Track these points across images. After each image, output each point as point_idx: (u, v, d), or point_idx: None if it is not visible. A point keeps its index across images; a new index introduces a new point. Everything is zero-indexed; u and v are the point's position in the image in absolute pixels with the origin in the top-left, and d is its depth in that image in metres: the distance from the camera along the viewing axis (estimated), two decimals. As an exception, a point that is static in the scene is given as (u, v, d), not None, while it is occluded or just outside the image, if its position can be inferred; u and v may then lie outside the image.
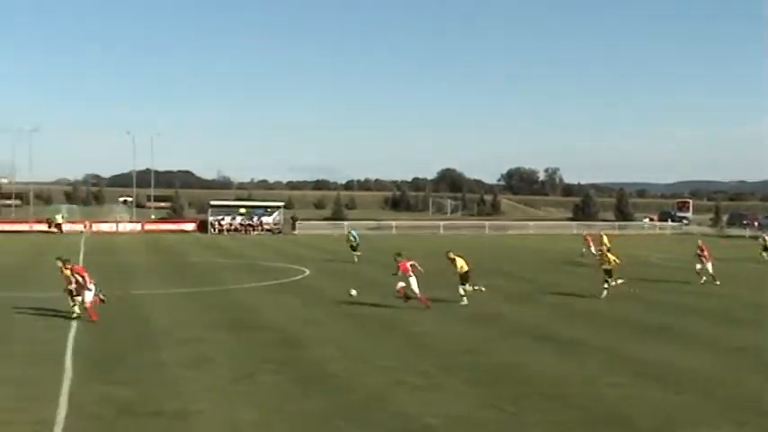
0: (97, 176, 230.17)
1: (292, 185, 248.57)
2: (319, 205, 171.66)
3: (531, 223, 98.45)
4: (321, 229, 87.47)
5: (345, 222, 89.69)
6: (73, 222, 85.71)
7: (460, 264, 26.76)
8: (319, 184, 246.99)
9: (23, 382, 15.11)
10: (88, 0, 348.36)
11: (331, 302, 26.98)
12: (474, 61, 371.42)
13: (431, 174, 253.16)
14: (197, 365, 16.81)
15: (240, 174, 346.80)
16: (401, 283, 25.57)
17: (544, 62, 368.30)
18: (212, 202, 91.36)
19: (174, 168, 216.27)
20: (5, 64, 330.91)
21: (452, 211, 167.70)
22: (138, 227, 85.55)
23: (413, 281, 25.28)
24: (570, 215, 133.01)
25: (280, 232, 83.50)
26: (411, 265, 25.57)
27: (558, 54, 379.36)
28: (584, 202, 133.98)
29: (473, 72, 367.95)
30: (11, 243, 61.66)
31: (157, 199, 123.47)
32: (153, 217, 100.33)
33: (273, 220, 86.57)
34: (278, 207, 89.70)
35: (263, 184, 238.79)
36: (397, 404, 13.81)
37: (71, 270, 22.95)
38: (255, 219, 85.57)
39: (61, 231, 78.75)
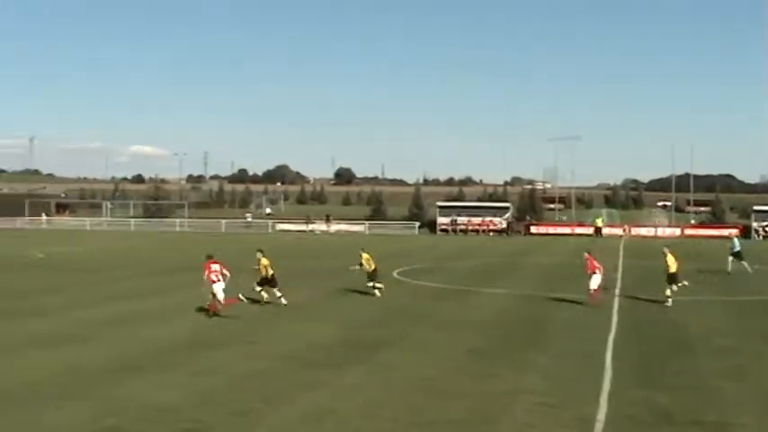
0: (636, 181, 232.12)
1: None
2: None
3: None
4: None
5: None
6: (612, 226, 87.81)
7: (670, 261, 26.77)
8: None
9: (567, 379, 15.98)
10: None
11: None
12: None
13: None
14: (735, 376, 16.35)
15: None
16: (594, 284, 26.22)
17: None
18: (755, 207, 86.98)
19: (715, 172, 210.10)
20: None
21: None
22: (676, 231, 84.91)
23: (595, 277, 26.23)
24: None
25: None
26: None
27: None
28: None
29: None
30: (555, 245, 65.28)
31: (697, 203, 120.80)
32: (692, 221, 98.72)
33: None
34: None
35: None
36: None
37: (216, 264, 23.63)
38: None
39: (600, 235, 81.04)
